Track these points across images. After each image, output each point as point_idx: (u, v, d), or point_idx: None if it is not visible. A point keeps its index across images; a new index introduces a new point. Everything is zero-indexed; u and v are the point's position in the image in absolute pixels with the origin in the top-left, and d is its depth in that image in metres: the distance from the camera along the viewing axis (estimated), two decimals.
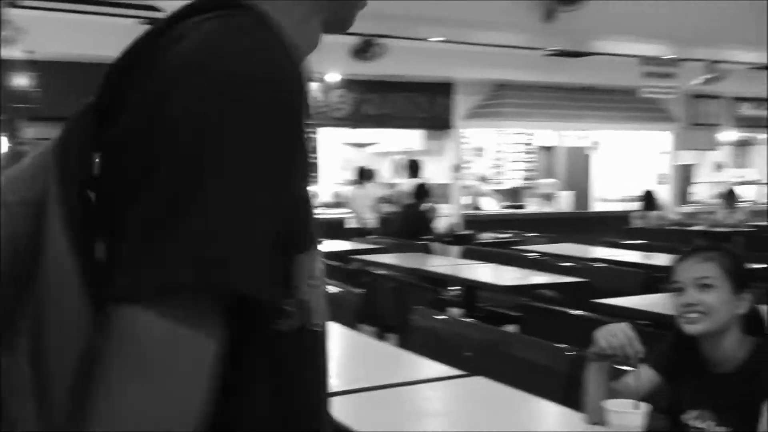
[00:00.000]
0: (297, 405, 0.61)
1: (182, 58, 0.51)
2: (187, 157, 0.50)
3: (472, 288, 4.74)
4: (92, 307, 0.52)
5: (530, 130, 11.23)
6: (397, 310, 4.22)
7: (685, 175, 12.29)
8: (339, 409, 1.90)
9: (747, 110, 12.63)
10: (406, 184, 8.12)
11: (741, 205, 8.78)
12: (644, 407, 1.61)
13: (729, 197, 8.63)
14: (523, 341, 2.70)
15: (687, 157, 12.22)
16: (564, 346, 2.51)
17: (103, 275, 0.51)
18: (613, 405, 1.64)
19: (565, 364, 2.39)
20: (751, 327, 1.76)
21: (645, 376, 1.75)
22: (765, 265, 4.90)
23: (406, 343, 3.09)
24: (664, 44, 8.09)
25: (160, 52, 0.52)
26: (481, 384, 2.18)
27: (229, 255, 0.50)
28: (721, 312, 1.70)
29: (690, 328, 1.73)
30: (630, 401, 1.64)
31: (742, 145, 13.94)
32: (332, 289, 3.67)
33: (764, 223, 9.22)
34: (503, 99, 10.04)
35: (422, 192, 7.31)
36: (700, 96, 11.91)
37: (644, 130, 11.29)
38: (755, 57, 10.65)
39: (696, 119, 12.13)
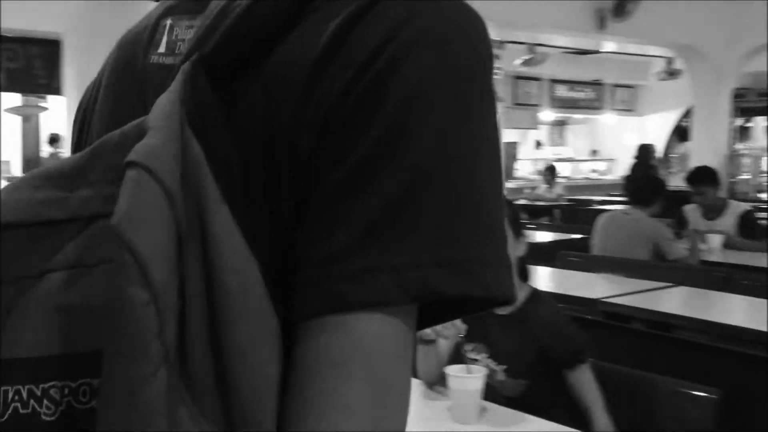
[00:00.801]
0: None
1: (421, 32, 0.41)
2: (443, 133, 0.40)
3: None
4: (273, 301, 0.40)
5: None
6: None
7: (510, 153, 12.97)
8: None
9: (563, 92, 13.52)
10: None
11: (559, 180, 9.39)
12: (482, 371, 1.67)
13: (549, 173, 9.19)
14: None
15: (511, 136, 12.90)
16: None
17: (297, 272, 0.41)
18: (452, 370, 1.68)
19: None
20: (522, 274, 1.94)
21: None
22: (580, 236, 5.27)
23: None
24: (490, 27, 8.44)
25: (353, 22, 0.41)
26: None
27: (491, 259, 0.41)
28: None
29: None
30: (468, 366, 1.70)
31: (559, 124, 14.93)
32: None
33: (579, 197, 9.94)
34: None
35: None
36: (521, 77, 12.59)
37: None
38: (570, 42, 11.42)
39: (518, 99, 12.83)
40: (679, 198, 5.12)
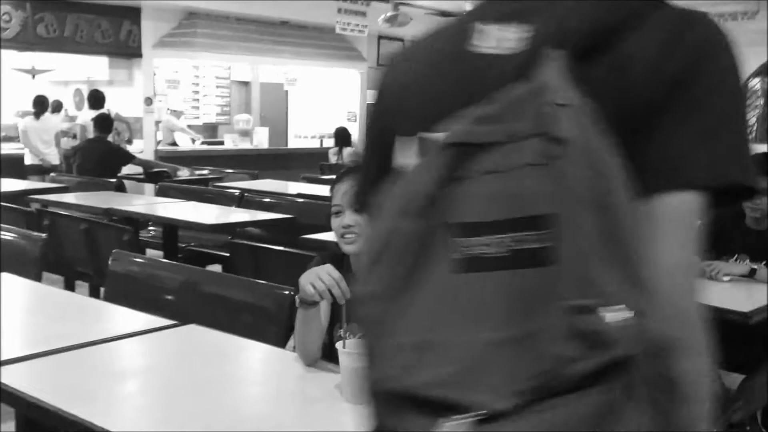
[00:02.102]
0: None
1: (708, 33, 0.72)
2: (732, 92, 0.72)
3: (173, 227, 4.44)
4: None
5: (226, 63, 10.90)
6: (90, 254, 3.80)
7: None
8: (24, 377, 1.60)
9: None
10: (89, 116, 7.39)
11: None
12: None
13: None
14: (236, 282, 2.54)
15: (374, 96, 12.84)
16: (278, 285, 2.41)
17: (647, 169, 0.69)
18: (342, 346, 1.57)
19: (279, 303, 2.29)
20: None
21: (324, 309, 1.76)
22: None
23: (101, 292, 2.76)
24: None
25: (657, 23, 0.72)
26: (192, 332, 1.99)
27: (748, 161, 0.72)
28: None
29: (348, 249, 1.80)
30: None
31: None
32: (6, 235, 3.15)
33: None
34: (196, 28, 9.56)
35: (106, 125, 6.67)
36: (385, 37, 12.52)
37: (337, 68, 11.57)
38: (434, 3, 11.45)
39: (382, 60, 12.76)
40: None
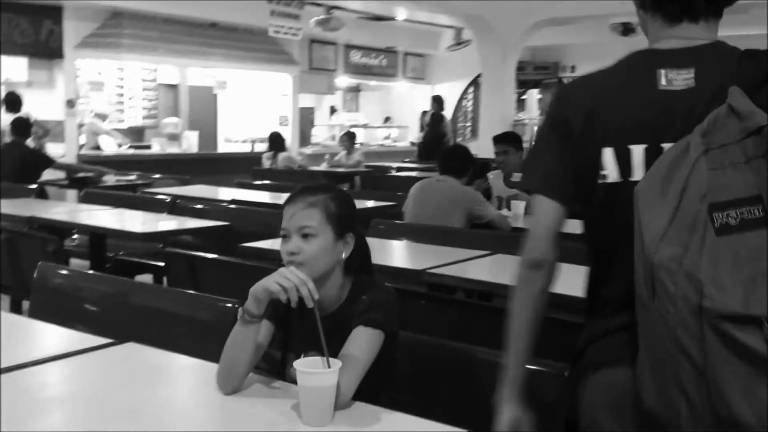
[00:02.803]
0: None
1: None
2: None
3: (100, 236, 4.21)
4: None
5: (152, 65, 10.57)
6: (10, 266, 3.55)
7: (306, 118, 12.77)
8: None
9: (357, 58, 13.52)
10: (5, 119, 7.01)
11: (357, 147, 9.36)
12: (338, 363, 1.46)
13: (347, 139, 9.13)
14: (175, 295, 2.38)
15: (306, 101, 12.69)
16: (220, 297, 2.27)
17: None
18: (301, 364, 1.45)
19: (222, 317, 2.16)
20: (356, 266, 1.74)
21: (264, 329, 1.63)
22: (379, 203, 5.24)
23: (25, 307, 2.55)
24: None
25: None
26: (131, 352, 1.84)
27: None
28: (320, 260, 1.63)
29: None
30: (320, 359, 1.47)
31: (353, 90, 14.96)
32: None
33: (376, 164, 9.99)
34: (121, 29, 9.23)
35: (24, 128, 6.34)
36: (317, 41, 12.40)
37: (268, 72, 11.37)
38: (363, 6, 11.40)
39: (314, 64, 12.63)
40: (480, 166, 5.22)
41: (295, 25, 8.87)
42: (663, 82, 1.29)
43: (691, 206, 1.09)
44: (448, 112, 13.17)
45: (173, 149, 9.62)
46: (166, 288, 2.69)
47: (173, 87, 11.27)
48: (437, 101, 11.69)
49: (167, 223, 4.23)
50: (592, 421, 1.38)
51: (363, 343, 1.59)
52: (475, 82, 14.76)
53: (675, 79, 1.28)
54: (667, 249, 1.10)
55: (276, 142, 8.35)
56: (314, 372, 1.43)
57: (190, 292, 2.32)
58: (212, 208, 4.77)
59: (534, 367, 1.80)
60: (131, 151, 9.58)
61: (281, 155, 8.21)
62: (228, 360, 1.58)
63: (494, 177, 4.94)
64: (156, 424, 1.44)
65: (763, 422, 1.03)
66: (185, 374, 1.71)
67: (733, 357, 1.03)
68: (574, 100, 1.38)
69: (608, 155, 1.32)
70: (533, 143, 1.49)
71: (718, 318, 1.04)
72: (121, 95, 10.53)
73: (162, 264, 4.33)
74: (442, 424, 1.44)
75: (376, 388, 1.60)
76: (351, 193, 6.49)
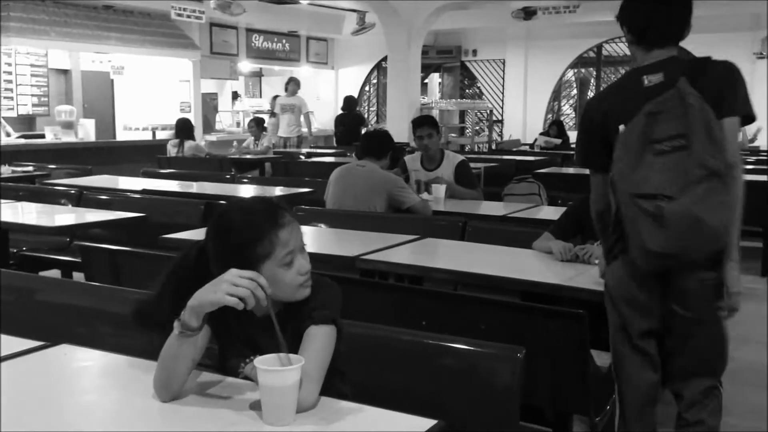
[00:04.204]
0: None
1: (725, 68, 2.13)
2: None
3: (3, 231, 3.94)
4: None
5: (42, 49, 10.00)
6: None
7: (209, 104, 12.43)
8: None
9: (260, 42, 13.26)
10: None
11: (266, 133, 9.17)
12: (300, 360, 1.40)
13: (256, 126, 8.94)
14: (102, 291, 2.25)
15: (209, 86, 12.34)
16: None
17: None
18: (261, 362, 1.39)
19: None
20: None
21: (202, 335, 1.49)
22: (295, 189, 5.17)
23: None
24: None
25: (710, 65, 2.14)
26: (65, 354, 1.72)
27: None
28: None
29: (305, 294, 1.58)
30: (277, 357, 1.41)
31: (256, 76, 14.67)
32: None
33: (286, 150, 9.85)
34: (8, 11, 8.68)
35: None
36: (218, 25, 12.06)
37: (167, 56, 10.98)
38: None
39: (216, 49, 12.30)
40: (398, 150, 5.21)
41: (198, 8, 8.58)
42: (646, 82, 2.16)
43: (640, 142, 2.05)
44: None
45: (69, 138, 9.14)
46: (91, 284, 2.53)
47: (65, 72, 10.71)
48: (348, 102, 11.62)
49: (79, 215, 4.00)
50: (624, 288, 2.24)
51: (319, 343, 1.52)
52: (378, 66, 14.77)
53: (652, 80, 2.15)
54: (626, 170, 2.06)
55: (183, 129, 8.07)
56: (277, 370, 1.37)
57: (122, 288, 2.19)
58: (123, 199, 4.55)
59: (488, 351, 1.81)
60: (22, 141, 9.04)
61: (188, 143, 7.95)
62: (165, 371, 1.47)
63: (411, 160, 4.94)
64: (115, 428, 1.35)
65: (660, 247, 2.02)
66: (132, 375, 1.60)
67: (642, 215, 2.02)
68: (595, 105, 2.30)
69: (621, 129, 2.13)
70: (577, 136, 2.39)
71: (634, 196, 2.04)
72: (9, 81, 9.92)
73: (71, 259, 4.12)
74: (405, 414, 1.41)
75: (326, 381, 1.54)
76: (264, 180, 6.39)
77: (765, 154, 9.58)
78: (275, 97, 11.31)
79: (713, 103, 2.00)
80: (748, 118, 2.12)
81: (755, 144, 10.46)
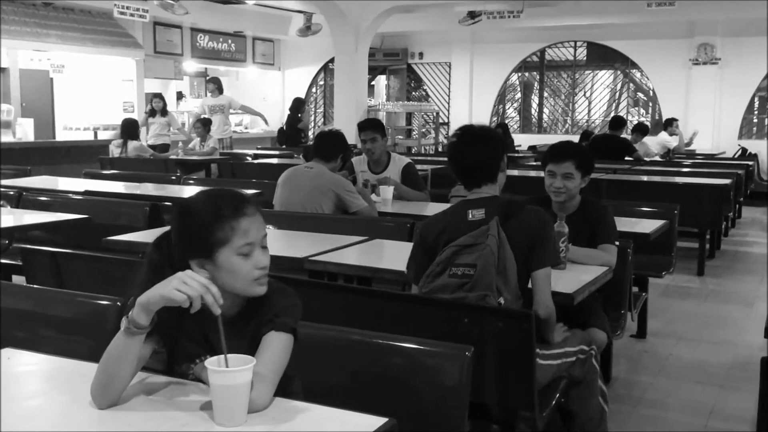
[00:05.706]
0: None
1: (538, 221, 2.54)
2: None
3: None
4: None
5: None
6: None
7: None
8: None
9: (204, 42, 13.11)
10: None
11: (212, 134, 9.06)
12: (251, 360, 1.40)
13: (202, 126, 8.83)
14: (44, 294, 2.20)
15: (152, 86, 12.14)
16: (97, 294, 2.13)
17: None
18: (211, 363, 1.39)
19: (101, 317, 2.02)
20: None
21: (149, 342, 1.49)
22: (244, 191, 5.10)
23: None
24: None
25: (525, 212, 2.57)
26: (8, 358, 1.68)
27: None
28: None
29: (260, 291, 1.58)
30: (240, 356, 1.41)
31: (201, 76, 14.48)
32: None
33: (232, 151, 9.75)
34: None
35: None
36: (162, 24, 11.88)
37: (110, 55, 10.76)
38: None
39: (160, 48, 12.11)
40: (350, 152, 5.21)
41: (142, 7, 8.43)
42: (470, 216, 2.47)
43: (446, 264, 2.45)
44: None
45: (7, 138, 8.88)
46: (31, 287, 2.47)
47: (2, 70, 10.41)
48: (294, 103, 11.56)
49: (18, 217, 3.89)
50: None
51: (276, 350, 1.52)
52: (325, 68, 14.75)
53: (475, 215, 2.47)
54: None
55: (128, 129, 7.92)
56: (228, 370, 1.37)
57: (65, 291, 2.15)
58: (64, 201, 4.45)
59: (437, 350, 1.83)
60: None
61: (132, 143, 7.81)
62: (106, 373, 1.44)
63: (358, 162, 4.96)
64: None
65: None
66: (81, 378, 1.57)
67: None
68: (431, 228, 2.56)
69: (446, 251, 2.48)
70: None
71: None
72: None
73: (10, 262, 4.01)
74: (355, 412, 1.42)
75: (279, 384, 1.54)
76: (210, 181, 6.30)
77: (700, 157, 9.91)
78: (156, 95, 10.51)
79: (522, 250, 2.39)
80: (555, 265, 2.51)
81: (691, 147, 10.80)
